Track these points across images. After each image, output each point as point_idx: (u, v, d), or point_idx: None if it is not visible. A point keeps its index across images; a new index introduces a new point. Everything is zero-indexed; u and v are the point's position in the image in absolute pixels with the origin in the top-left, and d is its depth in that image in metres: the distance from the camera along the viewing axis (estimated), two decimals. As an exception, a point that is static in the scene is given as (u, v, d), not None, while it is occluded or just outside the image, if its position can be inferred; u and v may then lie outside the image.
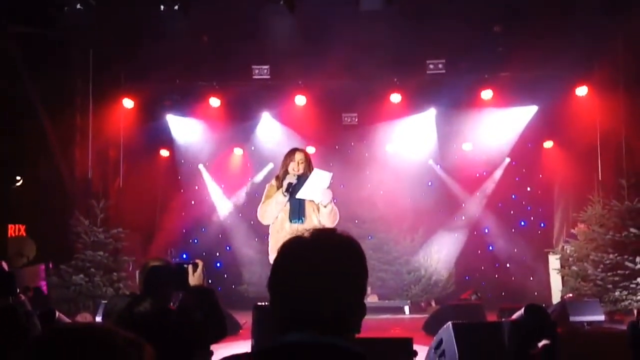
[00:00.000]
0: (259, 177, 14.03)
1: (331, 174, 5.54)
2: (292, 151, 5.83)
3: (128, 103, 12.23)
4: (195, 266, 3.57)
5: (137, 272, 3.72)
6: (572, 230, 11.57)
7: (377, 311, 11.77)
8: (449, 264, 13.70)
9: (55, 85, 10.87)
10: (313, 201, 5.67)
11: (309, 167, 5.72)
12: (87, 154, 11.61)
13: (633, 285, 9.31)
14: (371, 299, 12.39)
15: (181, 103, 13.02)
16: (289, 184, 5.56)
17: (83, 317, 9.57)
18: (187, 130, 13.73)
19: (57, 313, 5.88)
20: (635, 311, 8.76)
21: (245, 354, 1.54)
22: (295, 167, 5.65)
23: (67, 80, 11.34)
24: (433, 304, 13.14)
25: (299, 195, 5.54)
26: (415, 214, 13.85)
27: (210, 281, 3.71)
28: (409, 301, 12.88)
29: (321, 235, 1.56)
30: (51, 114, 10.86)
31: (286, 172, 5.68)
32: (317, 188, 5.53)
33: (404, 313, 12.49)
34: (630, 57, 10.49)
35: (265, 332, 5.82)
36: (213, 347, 4.09)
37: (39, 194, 10.68)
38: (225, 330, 3.63)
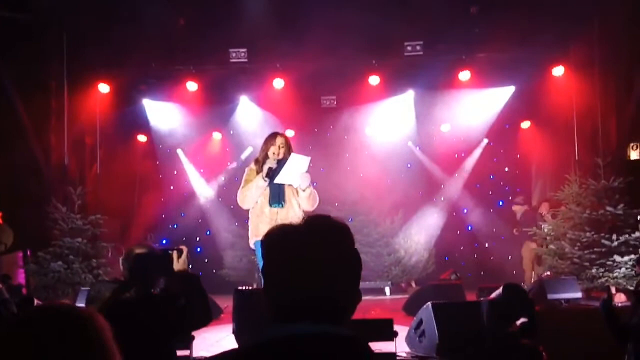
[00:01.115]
0: (239, 161, 13.97)
1: (309, 158, 5.55)
2: (273, 135, 5.82)
3: (104, 88, 12.08)
4: (180, 252, 3.57)
5: (121, 259, 3.71)
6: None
7: None
8: (429, 244, 13.79)
9: (30, 70, 10.70)
10: (292, 185, 5.68)
11: (289, 152, 5.72)
12: (63, 140, 11.46)
13: (609, 263, 9.43)
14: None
15: (158, 87, 12.88)
16: (269, 169, 5.56)
17: (62, 305, 9.49)
18: (164, 115, 13.61)
19: (35, 301, 5.84)
20: (611, 287, 8.89)
21: (243, 348, 1.51)
22: (275, 152, 5.65)
23: (42, 65, 11.15)
24: (413, 284, 13.24)
25: (277, 180, 5.55)
26: (395, 196, 13.89)
27: (190, 266, 3.72)
28: (389, 282, 12.97)
29: (316, 222, 1.54)
30: (26, 100, 10.70)
31: (266, 156, 5.68)
32: (295, 172, 5.54)
33: (385, 294, 12.58)
34: (605, 36, 10.57)
35: (246, 316, 5.85)
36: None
37: (15, 181, 10.54)
38: (210, 316, 3.64)
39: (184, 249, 3.61)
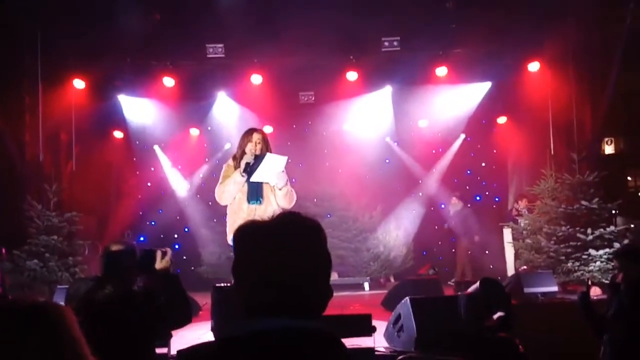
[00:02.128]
0: (216, 158, 13.90)
1: (286, 157, 5.57)
2: (250, 131, 5.83)
3: (79, 84, 11.93)
4: (164, 253, 3.59)
5: (101, 256, 3.74)
6: (516, 205, 11.90)
7: (337, 288, 11.66)
8: (407, 240, 13.85)
9: (3, 66, 10.53)
10: (269, 183, 5.69)
11: (266, 147, 5.73)
12: (38, 137, 11.31)
13: (585, 256, 9.54)
14: (331, 277, 12.44)
15: (134, 83, 12.74)
16: (247, 164, 5.57)
17: (38, 303, 9.38)
18: (141, 111, 13.46)
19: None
20: (588, 280, 9.00)
21: (214, 342, 1.52)
22: (252, 148, 5.66)
23: (15, 60, 10.99)
24: (392, 279, 13.29)
25: (253, 179, 5.57)
26: (373, 192, 13.93)
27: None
28: (368, 278, 13.00)
29: (286, 219, 1.55)
30: (-1, 96, 10.56)
31: (243, 153, 5.68)
32: (271, 171, 5.56)
33: (364, 289, 12.62)
34: (580, 32, 10.68)
35: (224, 313, 5.83)
36: (172, 328, 4.10)
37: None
38: (189, 317, 3.67)
39: (169, 250, 3.63)
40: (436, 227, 14.45)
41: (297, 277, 1.46)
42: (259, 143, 5.69)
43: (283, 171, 5.63)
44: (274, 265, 1.45)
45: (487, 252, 13.52)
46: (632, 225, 10.28)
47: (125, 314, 3.36)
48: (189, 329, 6.87)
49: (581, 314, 4.74)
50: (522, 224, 10.89)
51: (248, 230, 1.54)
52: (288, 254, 1.47)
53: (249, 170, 5.58)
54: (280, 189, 5.64)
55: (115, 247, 3.67)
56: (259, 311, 1.45)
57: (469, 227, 12.82)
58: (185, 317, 3.61)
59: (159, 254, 3.59)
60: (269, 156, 5.55)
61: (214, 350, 1.47)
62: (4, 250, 10.14)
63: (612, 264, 8.90)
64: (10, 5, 10.09)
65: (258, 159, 5.60)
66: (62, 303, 7.79)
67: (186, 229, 14.41)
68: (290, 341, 1.42)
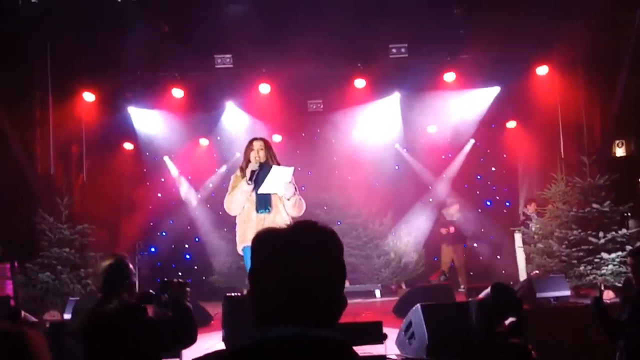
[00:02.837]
0: (226, 167, 13.94)
1: (292, 168, 5.62)
2: (251, 141, 5.94)
3: (89, 96, 12.02)
4: (181, 284, 3.69)
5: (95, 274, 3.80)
6: (525, 209, 11.85)
7: (348, 296, 11.43)
8: (418, 246, 13.79)
9: (13, 79, 10.62)
10: (277, 193, 5.73)
11: (269, 153, 5.80)
12: (49, 150, 11.39)
13: (597, 260, 9.46)
14: (343, 285, 12.42)
15: (143, 95, 12.83)
16: (252, 172, 5.63)
17: (51, 315, 9.45)
18: (150, 123, 13.54)
19: (22, 313, 5.80)
20: (601, 285, 8.93)
21: (225, 351, 1.52)
22: (255, 156, 5.73)
23: (25, 74, 11.09)
24: (403, 286, 13.23)
25: (260, 191, 5.61)
26: (384, 198, 13.90)
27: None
28: (379, 285, 12.96)
29: (302, 227, 1.55)
30: (10, 110, 10.63)
31: (248, 162, 5.74)
32: (278, 183, 5.61)
33: (375, 297, 12.58)
34: (588, 35, 10.64)
35: (236, 323, 5.84)
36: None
37: (1, 192, 10.46)
38: (193, 339, 3.72)
39: (189, 284, 3.72)
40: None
41: (312, 285, 1.46)
42: (261, 150, 5.76)
43: (290, 181, 5.66)
44: (290, 273, 1.45)
45: (498, 257, 13.47)
46: (644, 228, 10.20)
47: (130, 326, 3.40)
48: (200, 339, 6.87)
49: (595, 318, 4.71)
50: (533, 229, 10.84)
51: (265, 238, 1.54)
52: (305, 261, 1.47)
53: (255, 178, 5.62)
54: (288, 199, 5.67)
55: (105, 262, 3.72)
56: (272, 318, 1.45)
57: (468, 233, 12.92)
58: (189, 339, 3.68)
59: (175, 282, 3.67)
60: (275, 168, 5.59)
61: (227, 359, 1.47)
62: (16, 263, 10.20)
63: (625, 267, 8.85)
64: (20, 19, 10.18)
65: (263, 166, 5.64)
66: (70, 315, 7.83)
67: (197, 239, 14.44)
68: (302, 349, 1.41)
